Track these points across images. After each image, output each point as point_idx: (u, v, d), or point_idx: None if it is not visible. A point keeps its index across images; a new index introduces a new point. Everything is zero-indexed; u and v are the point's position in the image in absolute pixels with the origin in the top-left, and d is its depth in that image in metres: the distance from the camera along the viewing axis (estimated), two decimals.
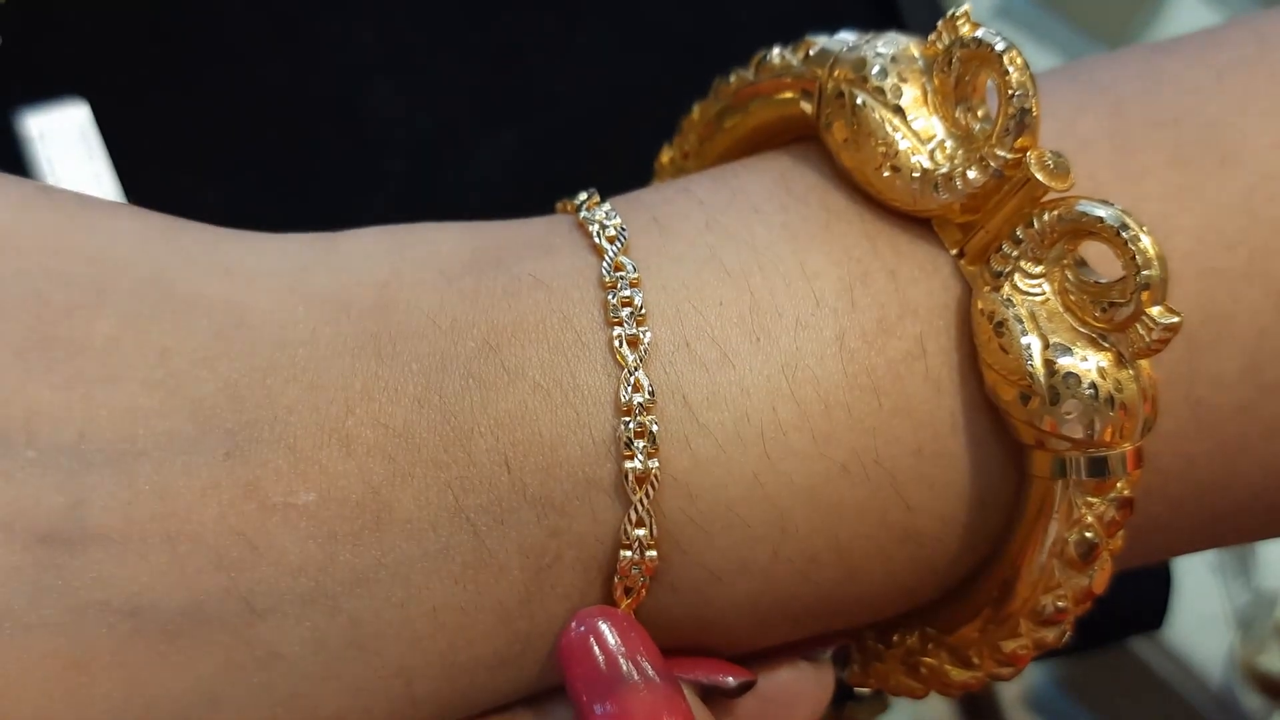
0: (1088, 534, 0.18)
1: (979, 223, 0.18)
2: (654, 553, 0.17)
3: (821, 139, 0.20)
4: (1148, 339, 0.17)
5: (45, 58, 0.42)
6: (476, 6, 0.43)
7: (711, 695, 0.20)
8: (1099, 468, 0.18)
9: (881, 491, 0.18)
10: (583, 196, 0.20)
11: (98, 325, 0.16)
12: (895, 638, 0.21)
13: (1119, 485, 0.18)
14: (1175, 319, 0.17)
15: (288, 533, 0.16)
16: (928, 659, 0.20)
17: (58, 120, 0.40)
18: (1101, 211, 0.17)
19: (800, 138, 0.21)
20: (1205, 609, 0.62)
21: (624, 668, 0.17)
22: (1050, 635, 0.19)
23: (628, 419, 0.17)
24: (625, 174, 0.40)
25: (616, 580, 0.17)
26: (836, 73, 0.19)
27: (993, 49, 0.18)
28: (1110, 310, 0.17)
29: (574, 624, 0.18)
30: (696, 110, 0.24)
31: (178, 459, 0.16)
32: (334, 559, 0.16)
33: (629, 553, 0.17)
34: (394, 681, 0.17)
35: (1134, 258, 0.17)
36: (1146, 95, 0.20)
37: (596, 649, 0.17)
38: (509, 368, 0.17)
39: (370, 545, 0.16)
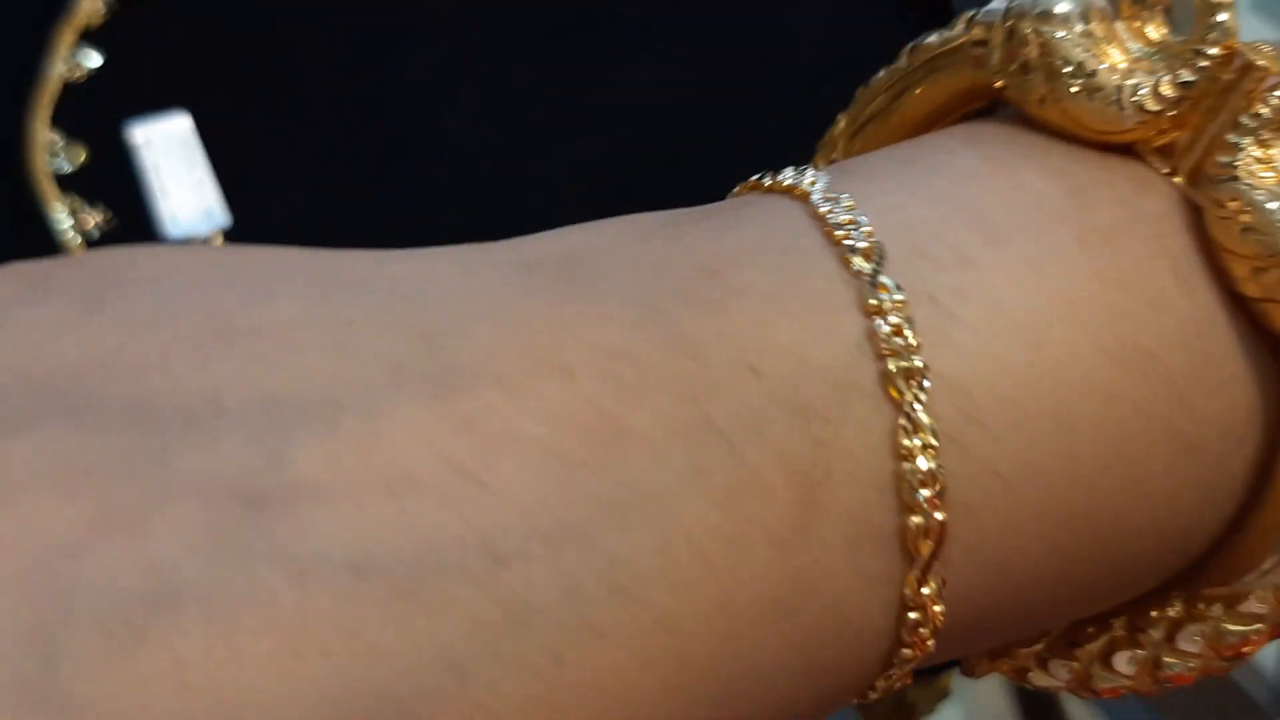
0: None
1: (1183, 138, 0.17)
2: (933, 464, 0.15)
3: (1004, 95, 0.19)
4: None
5: (150, 72, 0.44)
6: (544, 30, 0.45)
7: None
8: None
9: (1159, 388, 0.17)
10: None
11: (271, 312, 0.15)
12: (1154, 614, 0.19)
13: None
14: None
15: (518, 465, 0.14)
16: (1197, 625, 0.18)
17: (162, 130, 0.43)
18: None
19: (966, 115, 0.20)
20: None
21: None
22: None
23: (878, 318, 0.15)
24: (690, 185, 0.42)
25: (898, 503, 0.15)
26: (1013, 21, 0.18)
27: None
28: None
29: None
30: (842, 120, 0.22)
31: (379, 406, 0.14)
32: (576, 487, 0.14)
33: (909, 464, 0.15)
34: (660, 634, 0.14)
35: None
36: None
37: None
38: (731, 286, 0.16)
39: (612, 470, 0.14)
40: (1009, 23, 0.18)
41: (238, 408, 0.14)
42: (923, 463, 0.15)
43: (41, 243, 0.41)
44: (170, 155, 0.42)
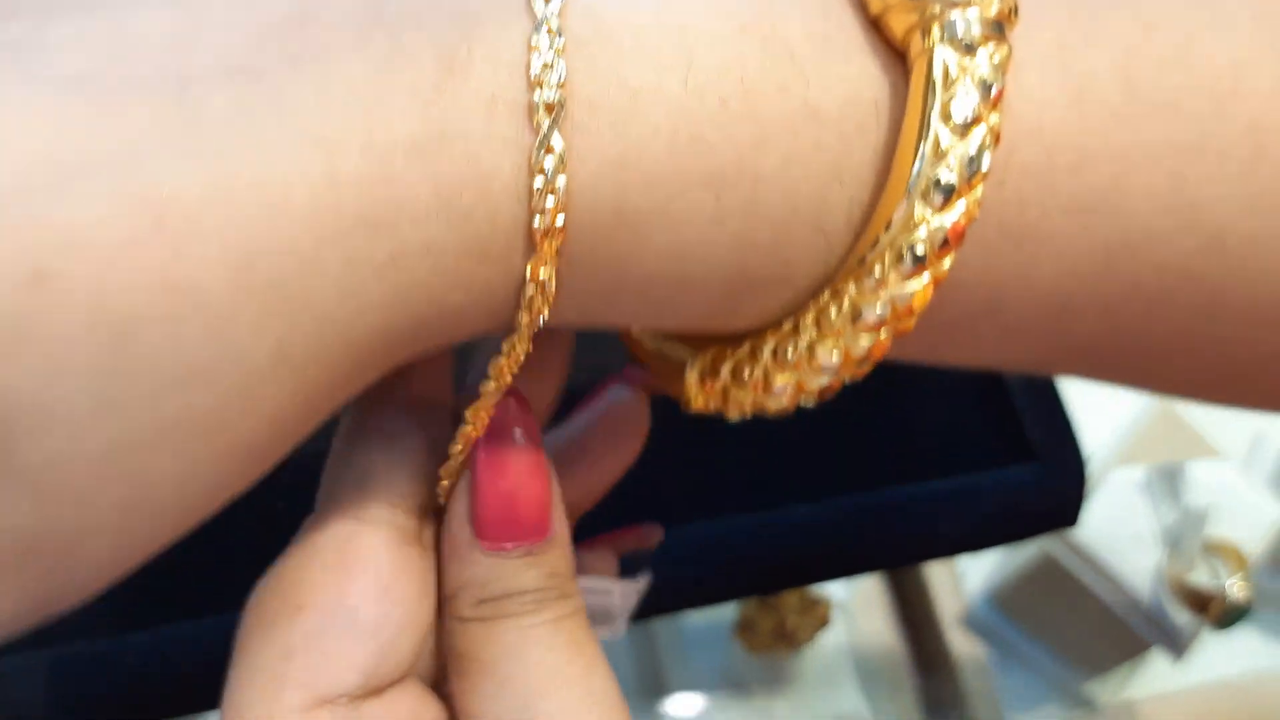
0: (967, 99, 0.19)
1: None
2: (563, 62, 0.18)
3: None
4: None
5: None
6: None
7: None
8: (970, 26, 0.19)
9: (781, 58, 0.19)
10: None
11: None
12: (768, 334, 0.22)
13: (991, 51, 0.19)
14: None
15: (223, 32, 0.18)
16: (801, 337, 0.21)
17: None
18: None
19: None
20: (1135, 527, 0.64)
21: (514, 434, 0.21)
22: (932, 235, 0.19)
23: None
24: None
25: (526, 82, 0.18)
26: None
27: None
28: None
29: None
30: None
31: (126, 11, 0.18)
32: (263, 46, 0.17)
33: (537, 54, 0.18)
34: (314, 152, 0.17)
35: None
36: None
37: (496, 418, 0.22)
38: None
39: (293, 38, 0.18)
40: None
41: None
42: (549, 57, 0.18)
43: None
44: None
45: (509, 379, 0.21)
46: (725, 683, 0.68)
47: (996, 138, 0.19)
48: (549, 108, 0.18)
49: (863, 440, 0.41)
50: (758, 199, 0.19)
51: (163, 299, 0.16)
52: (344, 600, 0.21)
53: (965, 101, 0.18)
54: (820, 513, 0.39)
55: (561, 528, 0.23)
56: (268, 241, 0.17)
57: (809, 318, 0.20)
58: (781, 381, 0.21)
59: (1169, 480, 0.64)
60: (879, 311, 0.19)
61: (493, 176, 0.18)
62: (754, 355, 0.21)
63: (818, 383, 0.21)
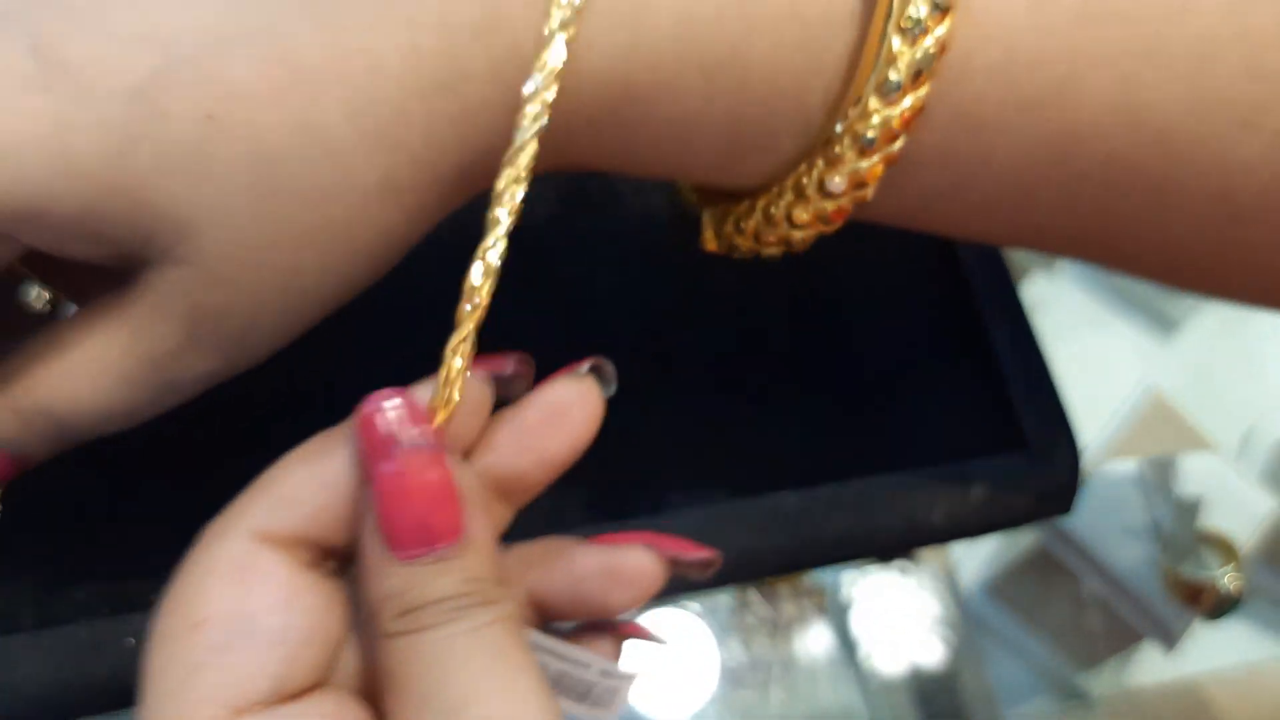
0: (917, 13, 0.22)
1: None
2: None
3: None
4: None
5: None
6: None
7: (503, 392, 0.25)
8: None
9: None
10: None
11: None
12: (762, 195, 0.26)
13: None
14: None
15: None
16: (783, 199, 0.25)
17: None
18: None
19: None
20: (1128, 520, 0.64)
21: (404, 435, 0.22)
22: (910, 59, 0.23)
23: None
24: None
25: None
26: None
27: None
28: None
29: (365, 406, 0.22)
30: None
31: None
32: None
33: None
34: (403, 29, 0.22)
35: None
36: None
37: (383, 420, 0.22)
38: None
39: None
40: None
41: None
42: None
43: None
44: None
45: (494, 274, 0.22)
46: (719, 672, 0.69)
47: (943, 47, 0.23)
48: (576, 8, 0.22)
49: (856, 427, 0.42)
50: (746, 82, 0.23)
51: (299, 137, 0.21)
52: (243, 610, 0.21)
53: (916, 15, 0.22)
54: (813, 499, 0.39)
55: (480, 532, 0.22)
56: (371, 95, 0.22)
57: (789, 183, 0.25)
58: (767, 233, 0.26)
59: (1162, 473, 0.64)
60: (839, 182, 0.24)
61: (529, 59, 0.22)
62: (751, 211, 0.26)
63: (796, 235, 0.26)
